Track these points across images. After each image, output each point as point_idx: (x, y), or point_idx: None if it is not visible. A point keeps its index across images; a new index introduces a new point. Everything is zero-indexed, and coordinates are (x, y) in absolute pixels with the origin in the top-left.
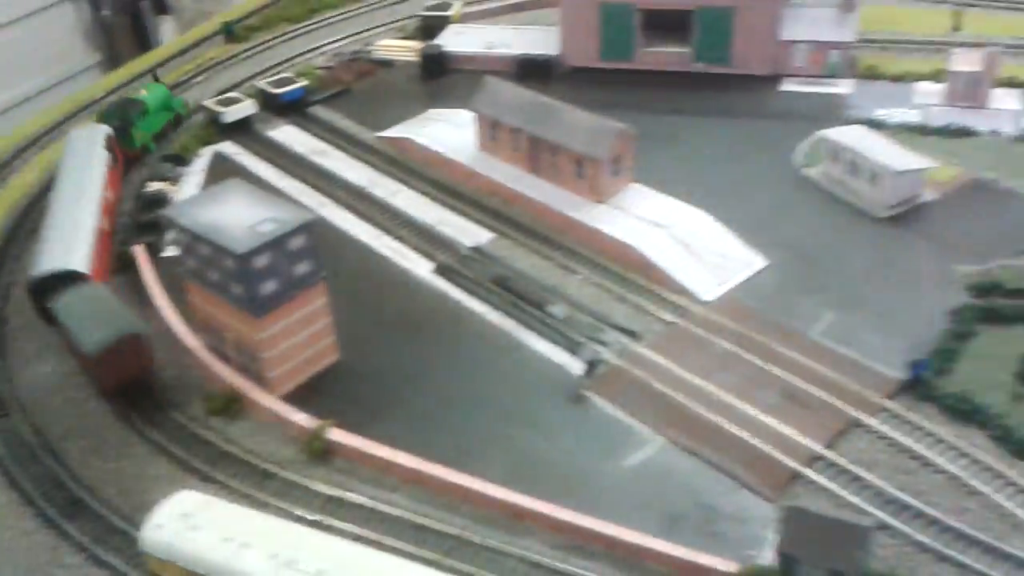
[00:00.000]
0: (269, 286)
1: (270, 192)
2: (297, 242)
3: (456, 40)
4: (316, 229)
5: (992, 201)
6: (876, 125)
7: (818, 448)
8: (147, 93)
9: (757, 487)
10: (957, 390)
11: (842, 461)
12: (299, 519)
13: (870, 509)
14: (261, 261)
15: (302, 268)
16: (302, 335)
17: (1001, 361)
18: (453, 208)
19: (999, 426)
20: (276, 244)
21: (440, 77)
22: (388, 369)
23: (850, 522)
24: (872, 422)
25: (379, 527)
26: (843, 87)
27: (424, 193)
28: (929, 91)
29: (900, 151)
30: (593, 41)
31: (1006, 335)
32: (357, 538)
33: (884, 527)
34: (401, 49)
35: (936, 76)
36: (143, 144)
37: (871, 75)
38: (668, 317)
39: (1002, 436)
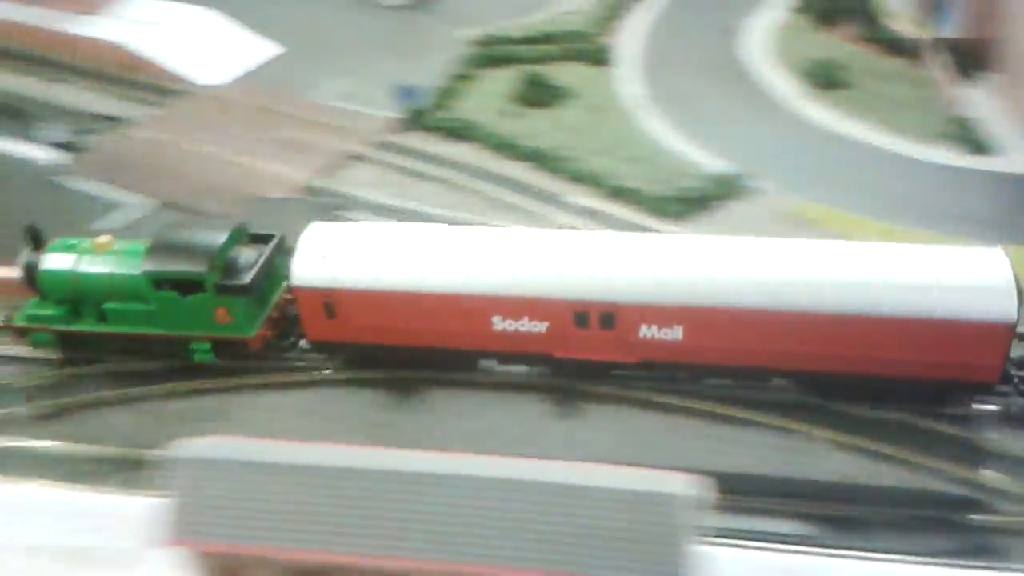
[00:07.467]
0: None
1: None
2: None
3: None
4: None
5: None
6: None
7: (309, 178)
8: None
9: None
10: (455, 116)
11: (336, 185)
12: None
13: (375, 219)
14: None
15: None
16: None
17: (495, 94)
18: None
19: (488, 135)
20: None
21: None
22: None
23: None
24: (372, 153)
25: None
26: None
27: None
28: None
29: None
30: None
31: (501, 74)
32: None
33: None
34: None
35: None
36: None
37: None
38: (165, 101)
39: (490, 142)
